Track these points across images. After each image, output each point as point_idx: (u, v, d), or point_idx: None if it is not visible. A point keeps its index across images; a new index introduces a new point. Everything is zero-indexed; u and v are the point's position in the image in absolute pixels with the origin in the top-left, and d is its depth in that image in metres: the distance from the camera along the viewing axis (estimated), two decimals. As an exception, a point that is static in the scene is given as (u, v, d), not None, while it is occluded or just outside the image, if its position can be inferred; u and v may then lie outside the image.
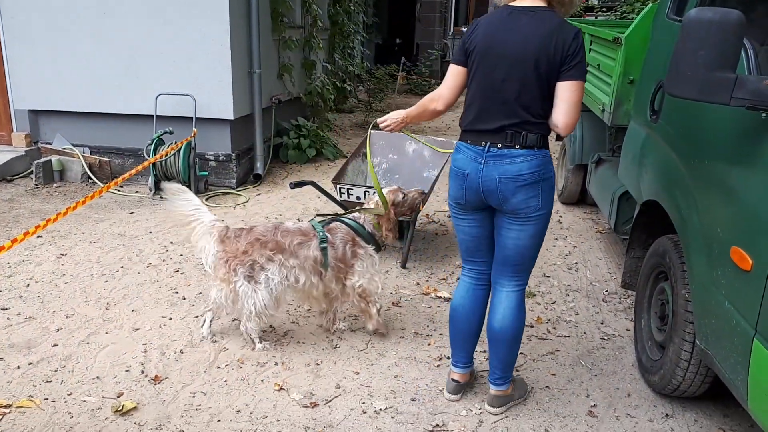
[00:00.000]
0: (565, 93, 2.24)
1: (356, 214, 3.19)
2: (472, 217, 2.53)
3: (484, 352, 2.96)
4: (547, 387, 2.89)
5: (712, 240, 2.23)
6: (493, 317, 2.55)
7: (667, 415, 2.69)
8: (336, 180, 4.06)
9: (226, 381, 2.83)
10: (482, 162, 2.35)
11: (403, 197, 3.31)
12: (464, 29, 17.38)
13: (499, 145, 2.33)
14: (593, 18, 9.84)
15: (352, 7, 8.95)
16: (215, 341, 3.15)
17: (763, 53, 2.13)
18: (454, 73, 2.46)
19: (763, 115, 1.94)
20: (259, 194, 5.64)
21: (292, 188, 3.63)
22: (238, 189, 5.73)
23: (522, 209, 2.36)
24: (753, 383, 1.98)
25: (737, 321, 2.03)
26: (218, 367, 2.94)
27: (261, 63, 5.81)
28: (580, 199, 5.33)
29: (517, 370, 2.94)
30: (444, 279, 4.01)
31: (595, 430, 2.59)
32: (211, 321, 3.17)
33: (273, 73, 6.48)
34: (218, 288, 2.97)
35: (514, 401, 2.72)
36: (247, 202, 5.40)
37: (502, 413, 2.67)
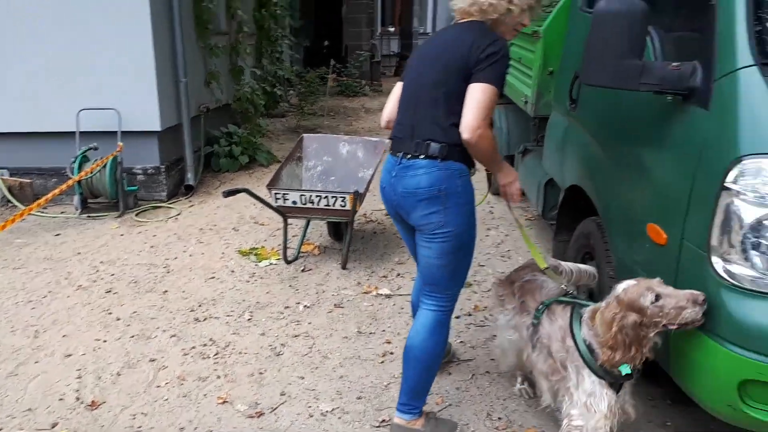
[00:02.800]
0: (470, 93, 2.10)
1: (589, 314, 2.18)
2: (402, 230, 2.52)
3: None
4: (487, 372, 2.96)
5: (631, 219, 2.35)
6: (410, 331, 2.41)
7: (602, 389, 2.81)
8: (271, 185, 4.02)
9: (167, 399, 2.77)
10: (394, 174, 2.30)
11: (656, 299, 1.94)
12: (391, 29, 17.56)
13: (408, 156, 2.24)
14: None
15: (278, 11, 8.87)
16: (153, 360, 3.07)
17: (668, 40, 2.25)
18: (395, 88, 2.53)
19: (669, 98, 2.06)
20: (192, 206, 5.52)
21: (224, 197, 3.58)
22: (170, 202, 5.59)
23: (424, 225, 2.24)
24: (673, 348, 2.09)
25: (657, 294, 2.14)
26: (158, 386, 2.86)
27: (187, 71, 5.68)
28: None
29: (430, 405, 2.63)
30: (384, 276, 4.05)
31: (534, 408, 2.67)
32: None
33: (200, 81, 6.35)
34: None
35: None
36: (179, 214, 5.27)
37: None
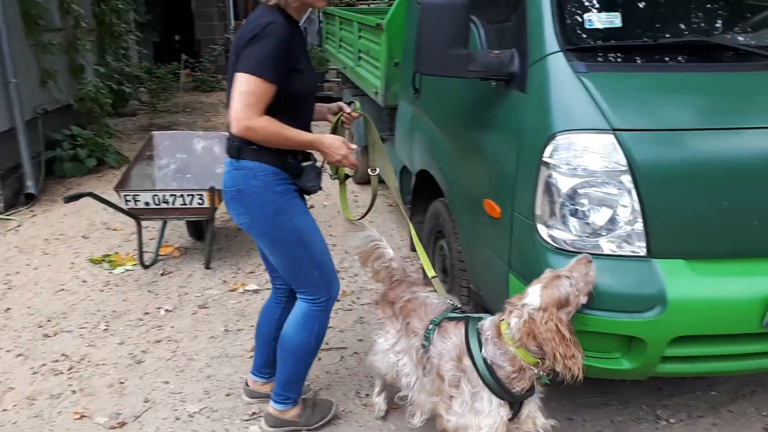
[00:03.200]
0: (235, 82, 1.96)
1: (493, 331, 2.00)
2: None
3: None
4: (355, 353, 3.07)
5: (470, 197, 2.55)
6: (285, 324, 2.38)
7: (460, 357, 3.02)
8: (119, 187, 3.83)
9: (15, 423, 2.57)
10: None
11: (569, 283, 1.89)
12: (244, 23, 17.14)
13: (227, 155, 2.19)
14: (366, 6, 10.33)
15: (120, 5, 8.35)
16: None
17: (490, 31, 2.45)
18: None
19: (493, 84, 2.26)
20: (35, 215, 5.09)
21: (66, 203, 3.36)
22: (8, 213, 5.10)
23: (240, 225, 2.23)
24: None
25: (496, 262, 2.35)
26: (5, 410, 2.65)
27: (17, 71, 5.20)
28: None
29: (312, 389, 2.71)
30: (251, 272, 4.02)
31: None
32: None
33: (34, 81, 5.84)
34: None
35: (295, 427, 2.46)
36: (20, 226, 4.84)
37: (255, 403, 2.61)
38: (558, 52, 1.99)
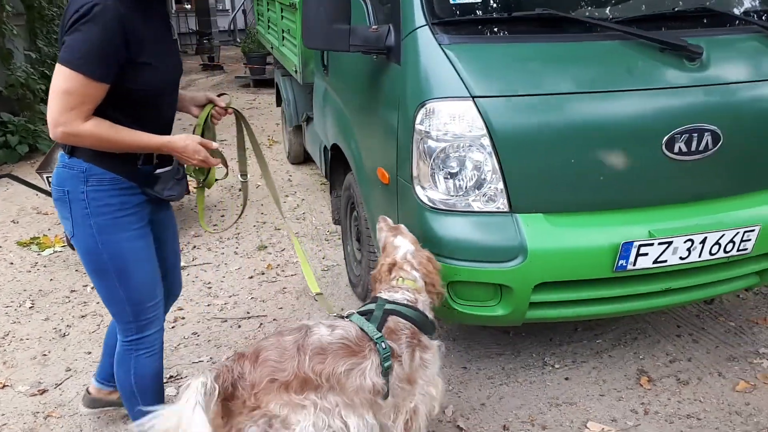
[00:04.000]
0: (52, 80, 1.65)
1: (405, 293, 1.97)
2: None
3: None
4: (275, 319, 3.25)
5: (367, 167, 2.74)
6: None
7: (371, 317, 3.24)
8: (41, 169, 3.89)
9: (-63, 395, 2.67)
10: None
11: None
12: (187, 6, 16.92)
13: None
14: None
15: (49, -12, 8.19)
16: None
17: (377, 7, 2.61)
18: None
19: (374, 57, 2.43)
20: (-37, 202, 5.09)
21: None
22: (-65, 201, 5.09)
23: (66, 229, 1.88)
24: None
25: (389, 225, 2.55)
26: (-75, 385, 2.74)
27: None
28: (307, 157, 5.77)
29: None
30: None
31: (313, 343, 3.01)
32: None
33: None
34: None
35: (112, 406, 2.41)
36: (-53, 213, 4.84)
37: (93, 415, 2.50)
38: (424, 26, 2.18)
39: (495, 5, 2.32)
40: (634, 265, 2.24)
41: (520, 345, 3.01)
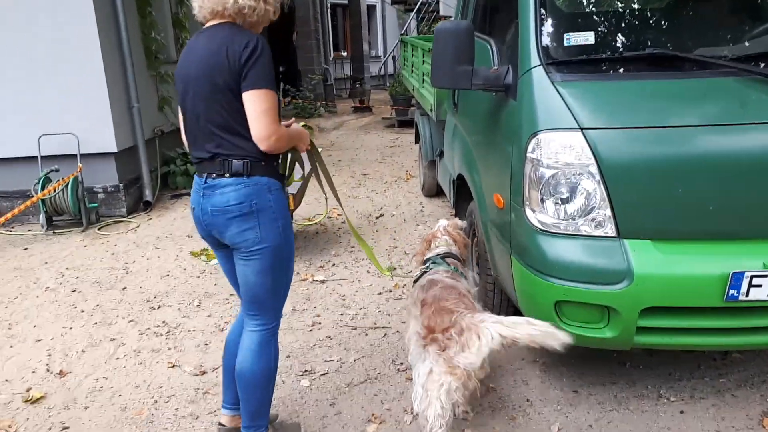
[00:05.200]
0: (246, 105, 2.05)
1: (441, 249, 2.98)
2: (218, 253, 2.40)
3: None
4: (398, 332, 3.55)
5: (485, 193, 2.99)
6: (238, 358, 2.37)
7: (488, 337, 3.42)
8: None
9: (125, 367, 3.29)
10: (201, 195, 2.20)
11: (462, 223, 3.21)
12: (344, 54, 18.33)
13: (213, 175, 2.16)
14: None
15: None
16: (113, 339, 3.59)
17: (500, 49, 2.90)
18: (180, 116, 2.30)
19: (494, 94, 2.71)
20: (150, 219, 6.04)
21: (169, 200, 4.12)
22: (130, 216, 6.10)
23: (240, 243, 2.18)
24: (518, 289, 2.71)
25: (502, 247, 2.77)
26: (117, 358, 3.38)
27: (139, 97, 6.23)
28: (439, 191, 6.11)
29: (277, 412, 2.80)
30: (321, 266, 4.62)
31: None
32: None
33: (153, 106, 6.90)
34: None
35: None
36: (138, 227, 5.79)
37: None
38: (539, 66, 2.42)
39: (605, 46, 2.51)
40: (747, 296, 2.25)
41: (635, 376, 3.03)
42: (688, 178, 2.25)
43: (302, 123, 2.61)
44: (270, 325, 2.38)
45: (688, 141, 2.25)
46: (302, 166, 2.57)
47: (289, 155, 2.41)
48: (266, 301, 2.31)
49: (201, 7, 2.15)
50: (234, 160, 2.13)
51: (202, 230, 2.30)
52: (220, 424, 2.58)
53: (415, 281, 2.84)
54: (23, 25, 5.59)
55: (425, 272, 2.79)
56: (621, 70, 2.39)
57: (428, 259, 2.90)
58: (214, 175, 2.16)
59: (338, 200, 2.88)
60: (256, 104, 2.04)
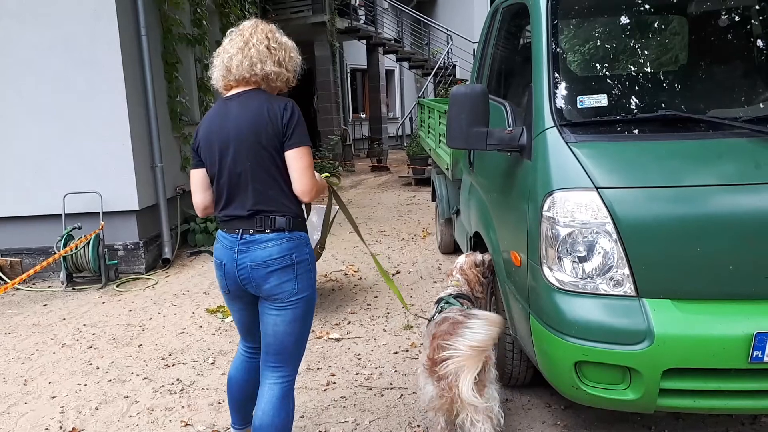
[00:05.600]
0: (291, 162, 2.25)
1: (452, 288, 3.15)
2: (240, 306, 2.50)
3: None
4: (413, 393, 3.48)
5: (502, 250, 2.99)
6: (256, 412, 2.44)
7: (507, 399, 3.34)
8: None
9: (137, 426, 3.25)
10: (236, 251, 2.31)
11: (481, 258, 3.30)
12: (363, 115, 18.76)
13: (251, 231, 2.29)
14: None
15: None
16: (127, 397, 3.56)
17: (515, 111, 2.97)
18: (195, 178, 2.44)
19: (509, 154, 2.75)
20: (168, 276, 6.09)
21: (188, 256, 4.17)
22: (148, 273, 6.15)
23: (277, 294, 2.31)
24: (537, 348, 2.67)
25: (521, 305, 2.75)
26: (130, 416, 3.35)
27: (163, 157, 6.40)
28: (456, 248, 6.11)
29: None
30: (337, 324, 4.59)
31: (449, 417, 3.19)
32: None
33: (176, 166, 7.07)
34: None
35: None
36: (156, 284, 5.83)
37: None
38: (553, 127, 2.46)
39: (618, 108, 2.55)
40: (773, 358, 2.19)
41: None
42: (705, 237, 2.24)
43: (325, 174, 2.93)
44: (291, 377, 2.49)
45: (704, 200, 2.25)
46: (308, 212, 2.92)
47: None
48: (292, 352, 2.44)
49: (225, 76, 2.33)
50: (278, 217, 2.30)
51: (232, 284, 2.41)
52: None
53: (429, 320, 2.98)
54: (53, 84, 5.85)
55: (440, 311, 2.91)
56: (635, 131, 2.43)
57: (441, 299, 3.05)
58: (252, 231, 2.31)
59: (361, 238, 3.23)
60: (300, 161, 2.27)
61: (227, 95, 2.37)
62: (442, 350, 2.47)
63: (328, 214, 3.36)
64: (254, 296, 2.42)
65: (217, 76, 2.36)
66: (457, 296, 3.05)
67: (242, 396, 2.71)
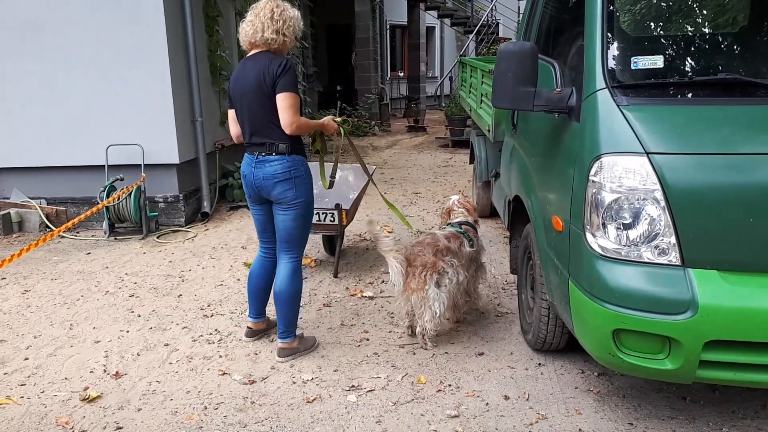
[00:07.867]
0: (278, 103, 3.08)
1: (461, 218, 3.94)
2: (258, 208, 3.44)
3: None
4: (446, 353, 3.51)
5: (543, 215, 2.94)
6: (275, 283, 3.39)
7: (539, 364, 3.34)
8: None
9: (177, 372, 3.36)
10: (254, 166, 3.25)
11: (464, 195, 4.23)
12: (401, 74, 18.49)
13: (263, 154, 3.21)
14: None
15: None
16: (167, 344, 3.68)
17: (564, 71, 2.87)
18: (230, 116, 3.38)
19: (556, 116, 2.67)
20: (207, 230, 6.20)
21: (227, 211, 4.23)
22: (187, 226, 6.27)
23: (281, 199, 3.24)
24: (574, 315, 2.64)
25: (561, 271, 2.71)
26: (170, 363, 3.46)
27: (203, 112, 6.44)
28: (493, 212, 6.05)
29: (301, 328, 3.77)
30: (370, 283, 4.63)
31: (483, 376, 3.21)
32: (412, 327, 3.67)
33: (216, 121, 7.11)
34: (409, 297, 3.46)
35: (299, 353, 3.48)
36: (195, 236, 5.94)
37: (287, 362, 3.42)
38: (604, 89, 2.37)
39: (673, 70, 2.44)
40: (821, 334, 2.12)
41: (696, 412, 2.90)
42: (759, 208, 2.15)
43: (339, 119, 3.69)
44: (298, 258, 3.42)
45: (760, 169, 2.15)
46: (323, 148, 3.74)
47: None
48: (297, 240, 3.37)
49: (243, 40, 3.25)
50: (280, 144, 3.19)
51: (251, 191, 3.36)
52: (249, 327, 3.69)
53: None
54: (96, 40, 5.90)
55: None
56: (689, 95, 2.33)
57: (449, 224, 3.85)
58: (264, 153, 3.22)
59: (366, 170, 4.19)
60: (283, 102, 3.09)
61: (248, 55, 3.25)
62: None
63: (338, 149, 4.23)
64: (268, 201, 3.34)
65: (241, 39, 3.25)
66: (461, 223, 3.84)
67: (258, 287, 3.58)
